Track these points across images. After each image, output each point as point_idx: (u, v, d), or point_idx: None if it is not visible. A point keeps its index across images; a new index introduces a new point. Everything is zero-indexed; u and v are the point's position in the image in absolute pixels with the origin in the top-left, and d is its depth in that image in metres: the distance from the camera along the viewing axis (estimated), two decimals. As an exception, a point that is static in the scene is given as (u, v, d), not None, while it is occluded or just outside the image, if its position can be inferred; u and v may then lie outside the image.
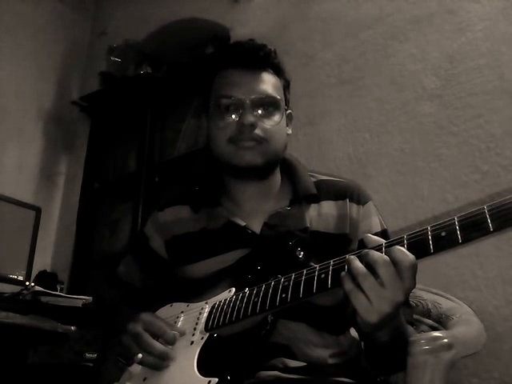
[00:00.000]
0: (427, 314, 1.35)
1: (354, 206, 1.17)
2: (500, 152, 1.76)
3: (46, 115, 3.16)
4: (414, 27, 2.08)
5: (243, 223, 1.16)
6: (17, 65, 3.05)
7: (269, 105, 1.15)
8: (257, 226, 1.16)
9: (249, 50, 1.18)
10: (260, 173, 1.18)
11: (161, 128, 2.83)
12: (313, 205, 1.18)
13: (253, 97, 1.13)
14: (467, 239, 0.78)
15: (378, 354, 1.05)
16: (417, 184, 1.91)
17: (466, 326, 1.24)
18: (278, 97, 1.17)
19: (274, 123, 1.15)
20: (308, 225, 1.14)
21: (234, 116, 1.14)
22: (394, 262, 0.83)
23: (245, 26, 2.60)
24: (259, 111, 1.14)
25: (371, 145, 2.07)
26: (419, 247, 0.82)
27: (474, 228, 0.77)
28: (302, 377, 1.03)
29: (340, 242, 1.13)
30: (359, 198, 1.19)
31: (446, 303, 1.36)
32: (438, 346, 1.02)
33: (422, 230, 0.83)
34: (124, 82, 2.90)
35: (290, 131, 1.25)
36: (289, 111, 1.25)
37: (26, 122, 3.06)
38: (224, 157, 1.16)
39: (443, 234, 0.80)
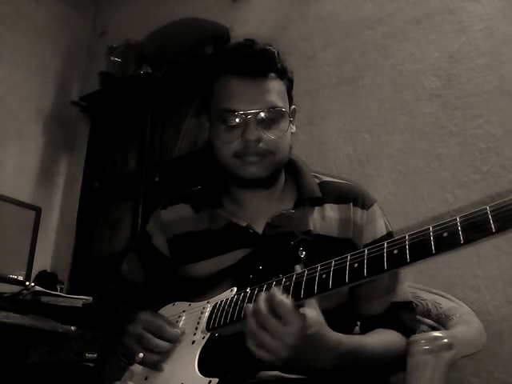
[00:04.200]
0: (427, 314, 1.35)
1: (358, 211, 1.16)
2: (500, 152, 1.76)
3: (46, 115, 3.16)
4: (414, 27, 2.08)
5: (244, 223, 1.16)
6: (17, 65, 3.05)
7: (273, 116, 1.12)
8: (259, 227, 1.16)
9: (250, 56, 1.13)
10: (266, 182, 1.17)
11: (161, 128, 2.83)
12: (317, 208, 1.17)
13: (256, 110, 1.10)
14: (469, 240, 0.76)
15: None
16: (417, 184, 1.91)
17: (466, 325, 1.24)
18: (283, 107, 1.13)
19: (279, 134, 1.12)
20: (311, 228, 1.13)
21: (237, 130, 1.11)
22: (274, 310, 0.87)
23: (245, 26, 2.60)
24: (264, 123, 1.11)
25: (371, 145, 2.07)
26: (421, 248, 0.81)
27: (476, 229, 0.76)
28: (303, 377, 1.03)
29: (343, 247, 1.11)
30: (364, 202, 1.17)
31: (446, 303, 1.36)
32: (438, 346, 1.02)
33: (424, 230, 0.82)
34: (124, 81, 2.90)
35: (294, 129, 1.21)
36: (293, 107, 1.21)
37: (25, 122, 3.06)
38: (229, 169, 1.15)
39: (445, 234, 0.79)
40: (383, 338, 1.07)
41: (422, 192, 1.89)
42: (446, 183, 1.84)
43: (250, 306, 0.91)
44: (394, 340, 1.07)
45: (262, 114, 1.10)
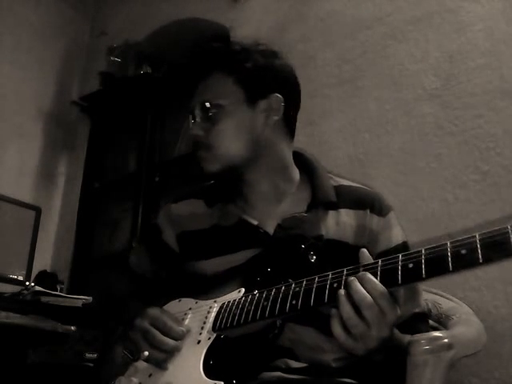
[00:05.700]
0: (427, 314, 1.35)
1: (375, 218, 1.14)
2: (500, 152, 1.76)
3: (46, 115, 3.16)
4: (414, 27, 2.08)
5: (255, 222, 1.14)
6: (17, 65, 3.05)
7: (210, 111, 1.15)
8: (269, 227, 1.14)
9: (197, 61, 1.23)
10: (229, 177, 1.18)
11: (161, 128, 2.83)
12: (331, 212, 1.14)
13: (194, 107, 1.17)
14: (488, 259, 0.73)
15: (372, 370, 1.04)
16: (417, 184, 1.91)
17: (466, 326, 1.24)
18: (221, 102, 1.14)
19: (219, 128, 1.15)
20: (323, 233, 1.11)
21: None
22: (375, 299, 0.84)
23: (245, 26, 2.60)
24: (203, 119, 1.16)
25: (371, 145, 2.07)
26: (437, 264, 0.79)
27: (495, 248, 0.73)
28: (305, 377, 1.02)
29: (356, 253, 1.05)
30: (381, 209, 1.15)
31: (446, 303, 1.36)
32: (438, 346, 1.02)
33: (441, 245, 0.80)
34: (124, 82, 2.90)
35: (276, 117, 1.16)
36: (275, 95, 1.15)
37: (25, 122, 3.06)
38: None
39: (463, 251, 0.76)
40: None
41: (422, 192, 1.89)
42: (446, 183, 1.84)
43: (343, 291, 0.87)
44: None
45: (199, 111, 1.16)
